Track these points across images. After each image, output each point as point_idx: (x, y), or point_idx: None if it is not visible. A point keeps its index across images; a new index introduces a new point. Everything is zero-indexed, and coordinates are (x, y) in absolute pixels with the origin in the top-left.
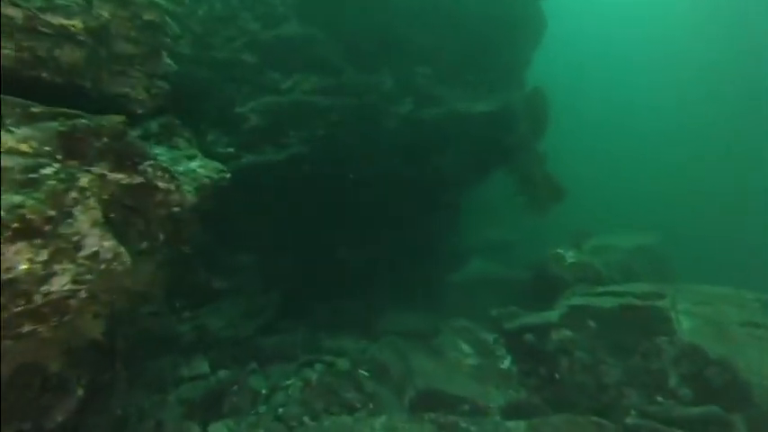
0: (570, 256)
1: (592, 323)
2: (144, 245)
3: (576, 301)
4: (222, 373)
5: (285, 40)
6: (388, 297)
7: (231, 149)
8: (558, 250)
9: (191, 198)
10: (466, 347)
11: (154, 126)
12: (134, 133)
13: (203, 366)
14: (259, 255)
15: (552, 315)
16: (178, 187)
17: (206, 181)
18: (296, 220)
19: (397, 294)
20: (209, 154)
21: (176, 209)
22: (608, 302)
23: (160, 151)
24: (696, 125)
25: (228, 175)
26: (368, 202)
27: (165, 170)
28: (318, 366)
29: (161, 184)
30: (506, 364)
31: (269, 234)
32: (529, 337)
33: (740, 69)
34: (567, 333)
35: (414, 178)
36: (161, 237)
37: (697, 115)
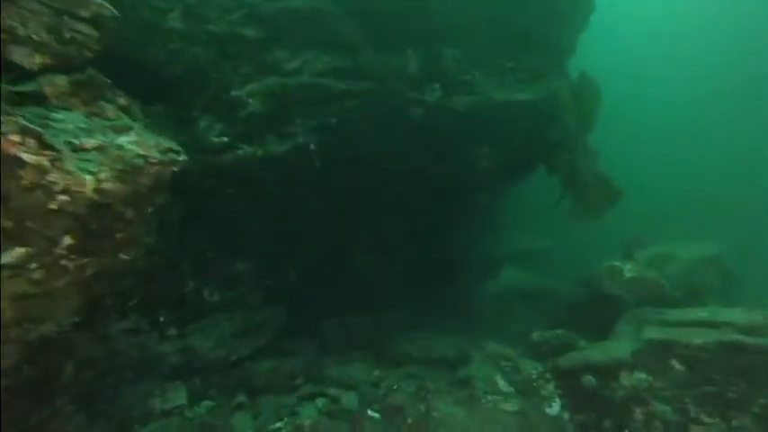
0: (628, 269)
1: (677, 365)
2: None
3: (654, 333)
4: (203, 406)
5: (292, 11)
6: (410, 313)
7: (226, 138)
8: (615, 263)
9: (93, 184)
10: (502, 383)
11: (59, 82)
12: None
13: (180, 397)
14: (260, 263)
15: (620, 350)
16: (58, 163)
17: (139, 163)
18: (304, 224)
19: (420, 310)
20: (199, 143)
21: (63, 197)
22: (699, 336)
23: (64, 117)
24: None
25: (183, 158)
26: (389, 203)
27: (29, 133)
28: (321, 401)
29: (26, 157)
30: (555, 408)
31: (271, 239)
32: (589, 379)
33: None
34: (643, 377)
35: (442, 177)
36: (57, 239)
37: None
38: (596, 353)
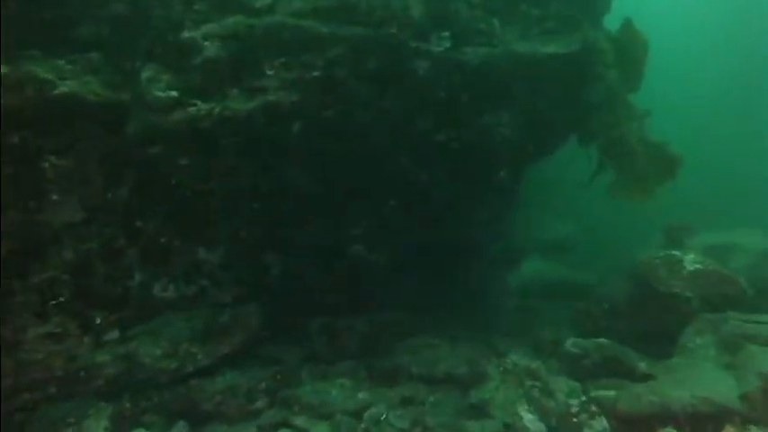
0: (690, 260)
1: None
2: None
3: None
4: None
5: None
6: (414, 312)
7: (174, 93)
8: (672, 252)
9: None
10: (529, 417)
11: None
12: None
13: (98, 425)
14: (230, 250)
15: (716, 386)
16: None
17: None
18: (284, 204)
19: (427, 308)
20: (142, 99)
21: None
22: None
23: None
24: None
25: None
26: (388, 179)
27: None
28: None
29: None
30: None
31: (244, 222)
32: None
33: None
34: None
35: (452, 147)
36: None
37: None
38: (674, 389)
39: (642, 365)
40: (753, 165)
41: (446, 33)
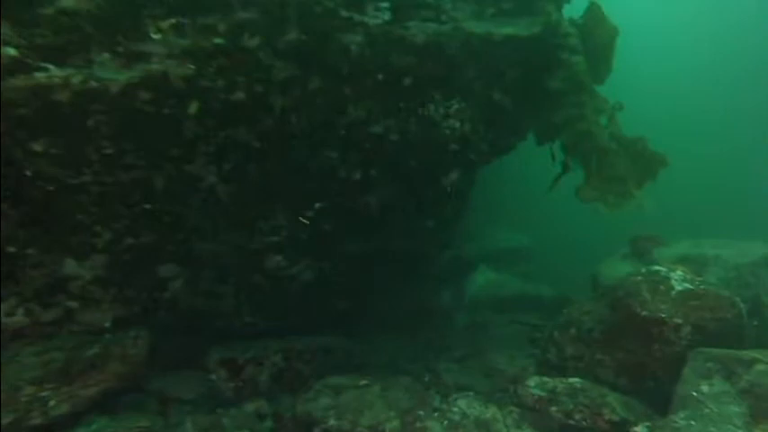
0: (679, 277)
1: None
2: None
3: None
4: None
5: None
6: (351, 333)
7: (13, 51)
8: (656, 267)
9: None
10: None
11: None
12: None
13: None
14: (110, 262)
15: None
16: None
17: None
18: (184, 206)
19: (365, 329)
20: None
21: None
22: None
23: None
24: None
25: None
26: (313, 177)
27: None
28: None
29: None
30: None
31: (130, 225)
32: None
33: None
34: None
35: (392, 140)
36: None
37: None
38: None
39: (639, 429)
40: (722, 174)
41: (385, 4)
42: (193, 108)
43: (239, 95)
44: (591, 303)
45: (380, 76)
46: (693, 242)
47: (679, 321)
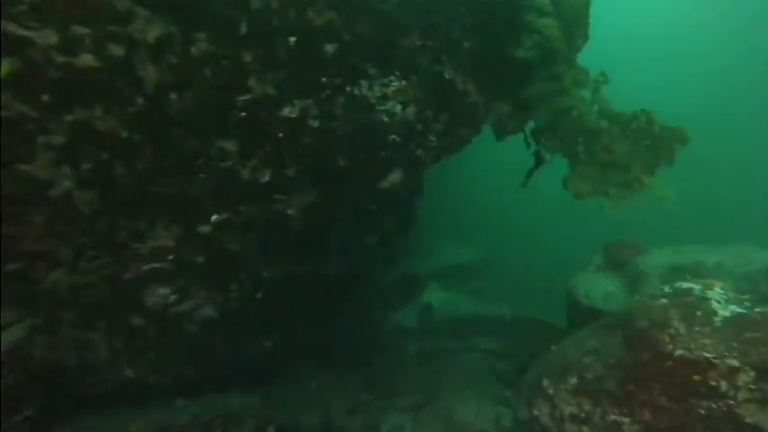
0: (721, 298)
1: None
2: None
3: None
4: None
5: None
6: (276, 376)
7: None
8: (688, 284)
9: None
10: None
11: None
12: None
13: None
14: None
15: None
16: None
17: None
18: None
19: (294, 368)
20: None
21: None
22: None
23: None
24: None
25: None
26: (208, 182)
27: None
28: None
29: None
30: None
31: None
32: None
33: None
34: None
35: (311, 130)
36: None
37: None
38: None
39: None
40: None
41: None
42: (5, 70)
43: (86, 59)
44: (592, 337)
45: (293, 40)
46: (677, 249)
47: (734, 363)
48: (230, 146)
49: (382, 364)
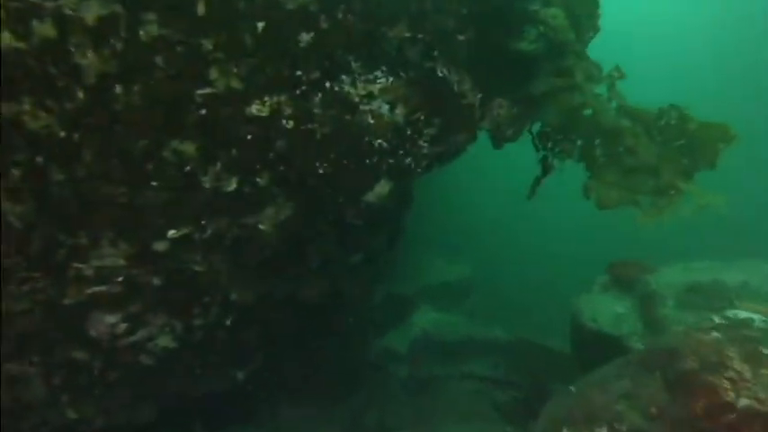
0: None
1: None
2: None
3: None
4: None
5: None
6: (247, 413)
7: None
8: (741, 312)
9: None
10: None
11: None
12: None
13: None
14: None
15: None
16: None
17: None
18: None
19: (255, 404)
20: None
21: None
22: None
23: None
24: None
25: None
26: (162, 190)
27: None
28: None
29: None
30: None
31: None
32: None
33: None
34: None
35: (283, 133)
36: None
37: None
38: None
39: None
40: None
41: None
42: None
43: (4, 38)
44: (622, 377)
45: (262, 26)
46: (687, 266)
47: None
48: (188, 148)
49: (369, 394)
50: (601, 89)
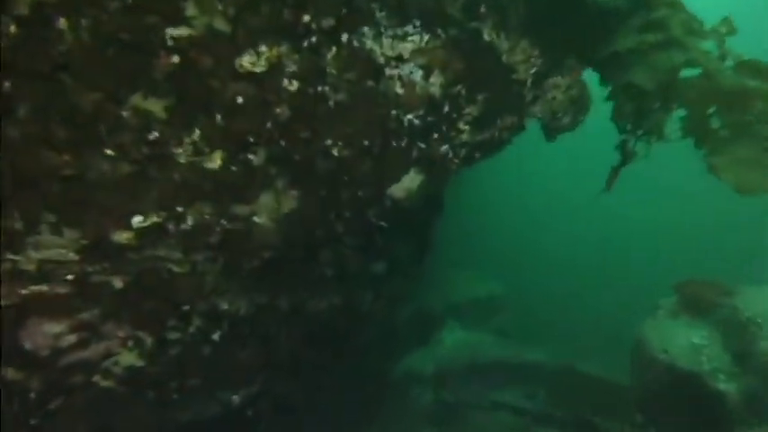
0: None
1: None
2: None
3: None
4: None
5: None
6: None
7: None
8: None
9: None
10: None
11: None
12: None
13: None
14: None
15: None
16: None
17: None
18: None
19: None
20: None
21: None
22: None
23: None
24: None
25: None
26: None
27: None
28: None
29: None
30: None
31: None
32: None
33: None
34: None
35: (285, 99)
36: None
37: None
38: None
39: None
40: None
41: None
42: None
43: None
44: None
45: None
46: (762, 289)
47: None
48: (154, 107)
49: (388, 422)
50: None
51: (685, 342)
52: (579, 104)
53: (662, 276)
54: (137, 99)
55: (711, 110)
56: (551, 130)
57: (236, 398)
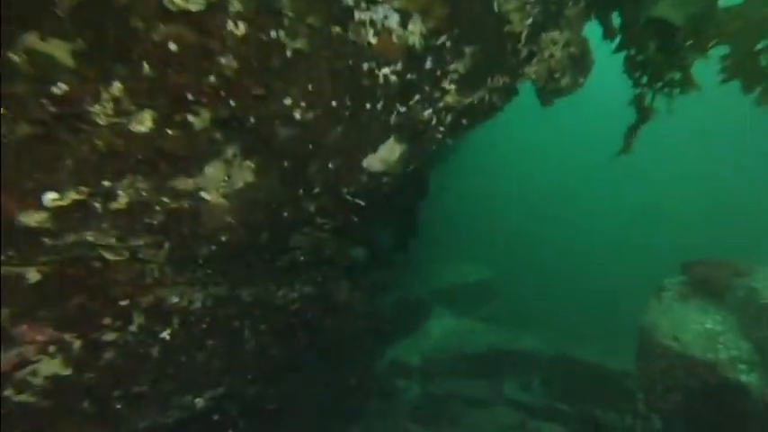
0: None
1: None
2: None
3: None
4: None
5: None
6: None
7: None
8: None
9: None
10: None
11: None
12: None
13: None
14: None
15: None
16: None
17: None
18: None
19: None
20: None
21: None
22: None
23: None
24: None
25: None
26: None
27: None
28: None
29: None
30: None
31: None
32: None
33: None
34: None
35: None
36: None
37: None
38: None
39: None
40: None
41: None
42: None
43: None
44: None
45: None
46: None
47: None
48: (56, 51)
49: (373, 418)
50: None
51: (698, 328)
52: (580, 63)
53: (663, 260)
54: (31, 39)
55: (761, 46)
56: (548, 93)
57: (199, 401)
